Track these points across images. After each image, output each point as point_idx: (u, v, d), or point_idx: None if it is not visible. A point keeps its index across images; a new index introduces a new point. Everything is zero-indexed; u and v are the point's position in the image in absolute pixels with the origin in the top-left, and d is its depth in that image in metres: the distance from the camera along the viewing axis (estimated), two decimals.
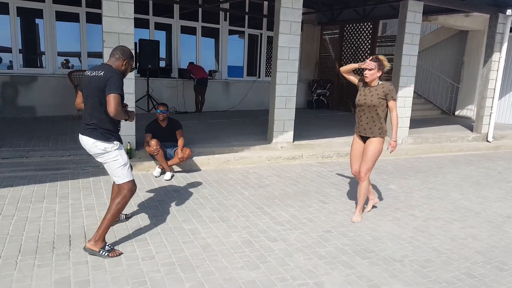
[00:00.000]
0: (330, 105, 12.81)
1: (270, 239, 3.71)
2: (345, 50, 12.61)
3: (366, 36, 11.90)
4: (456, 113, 13.14)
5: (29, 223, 3.76)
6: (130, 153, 5.72)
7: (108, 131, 3.28)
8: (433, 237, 4.00)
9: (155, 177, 5.49)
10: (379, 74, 4.03)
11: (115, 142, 3.32)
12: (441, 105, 13.47)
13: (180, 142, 5.55)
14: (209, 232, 3.80)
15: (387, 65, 4.06)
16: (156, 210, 4.29)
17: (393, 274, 3.20)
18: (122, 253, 3.27)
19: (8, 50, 8.65)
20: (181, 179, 5.45)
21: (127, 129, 5.74)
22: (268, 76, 12.16)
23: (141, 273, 3.00)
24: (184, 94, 10.37)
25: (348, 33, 12.45)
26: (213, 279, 2.97)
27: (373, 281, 3.07)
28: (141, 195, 4.72)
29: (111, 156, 3.31)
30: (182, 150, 5.50)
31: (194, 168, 5.97)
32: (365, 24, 11.89)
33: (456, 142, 9.04)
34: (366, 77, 4.06)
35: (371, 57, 4.08)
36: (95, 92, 3.19)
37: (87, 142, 3.31)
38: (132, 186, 3.39)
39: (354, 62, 12.21)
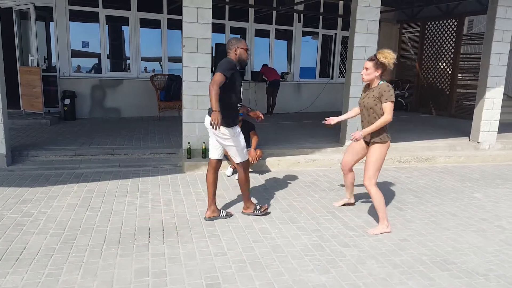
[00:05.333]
0: (408, 107, 12.22)
1: (341, 244, 3.62)
2: (426, 49, 11.98)
3: (450, 34, 11.20)
4: None
5: (113, 215, 4.05)
6: (204, 153, 5.93)
7: (224, 115, 3.62)
8: None
9: (227, 176, 5.63)
10: (377, 73, 3.76)
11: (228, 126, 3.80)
12: None
13: (253, 142, 5.63)
14: (278, 233, 3.81)
15: (389, 60, 3.68)
16: (228, 208, 4.39)
17: None
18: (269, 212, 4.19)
19: (97, 56, 9.42)
20: (252, 180, 5.51)
21: (203, 129, 5.94)
22: (341, 77, 11.91)
23: (214, 268, 3.09)
24: (256, 96, 10.52)
25: (430, 31, 11.80)
26: (283, 279, 2.97)
27: None
28: None
29: None
30: (254, 150, 5.58)
31: (265, 169, 6.02)
32: (449, 21, 11.20)
33: None
34: (362, 78, 3.86)
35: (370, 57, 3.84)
36: None
37: None
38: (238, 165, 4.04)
39: (436, 62, 11.61)
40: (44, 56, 9.07)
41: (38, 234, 3.57)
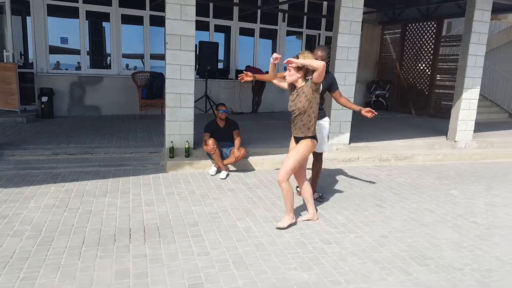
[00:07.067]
0: (389, 107, 12.41)
1: (323, 242, 3.65)
2: (406, 50, 12.17)
3: (430, 36, 11.41)
4: None
5: (93, 216, 3.98)
6: (188, 152, 5.89)
7: None
8: (497, 246, 3.76)
9: (211, 175, 5.60)
10: (299, 74, 3.74)
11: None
12: (508, 108, 12.63)
13: (237, 141, 5.64)
14: (262, 231, 3.82)
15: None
16: (211, 207, 4.38)
17: (453, 283, 3.04)
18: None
19: (77, 52, 9.24)
20: (236, 179, 5.52)
21: (186, 128, 5.92)
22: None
23: (196, 268, 3.07)
24: (240, 95, 10.51)
25: (411, 32, 11.99)
26: (266, 278, 2.98)
27: None
28: (197, 193, 4.84)
29: None
30: (238, 149, 5.58)
31: (249, 168, 6.02)
32: (429, 23, 11.40)
33: None
34: (286, 78, 3.83)
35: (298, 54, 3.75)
36: None
37: None
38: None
39: (416, 63, 11.81)
40: (21, 52, 8.86)
41: (13, 236, 3.47)
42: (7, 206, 4.12)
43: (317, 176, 4.86)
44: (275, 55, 3.81)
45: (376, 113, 4.26)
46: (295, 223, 3.99)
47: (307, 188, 4.14)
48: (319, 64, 3.56)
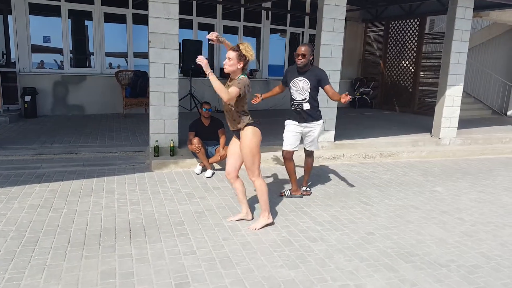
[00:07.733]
0: (373, 104, 12.53)
1: (310, 239, 3.67)
2: (390, 48, 12.29)
3: (413, 33, 11.54)
4: (508, 113, 12.52)
5: (78, 216, 3.94)
6: (173, 151, 5.86)
7: None
8: (482, 242, 3.82)
9: (197, 174, 5.58)
10: (239, 65, 3.52)
11: None
12: (491, 105, 12.85)
13: (222, 140, 5.63)
14: (248, 229, 3.81)
15: (250, 56, 3.51)
16: (197, 206, 4.36)
17: (438, 279, 3.08)
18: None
19: (59, 51, 9.09)
20: (221, 177, 5.51)
21: (171, 127, 5.88)
22: None
23: (183, 268, 3.06)
24: None
25: (394, 30, 12.11)
26: (253, 276, 2.98)
27: (417, 286, 2.97)
28: (183, 192, 4.82)
29: None
30: (223, 148, 5.57)
31: None
32: (412, 20, 11.53)
33: (508, 144, 8.56)
34: (225, 68, 3.57)
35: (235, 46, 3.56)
36: None
37: None
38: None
39: (400, 60, 11.93)
40: (2, 51, 8.69)
41: None
42: None
43: (307, 172, 5.00)
44: (211, 35, 3.69)
45: (350, 97, 4.04)
46: (272, 222, 3.91)
47: (239, 186, 3.93)
48: (220, 93, 3.35)
